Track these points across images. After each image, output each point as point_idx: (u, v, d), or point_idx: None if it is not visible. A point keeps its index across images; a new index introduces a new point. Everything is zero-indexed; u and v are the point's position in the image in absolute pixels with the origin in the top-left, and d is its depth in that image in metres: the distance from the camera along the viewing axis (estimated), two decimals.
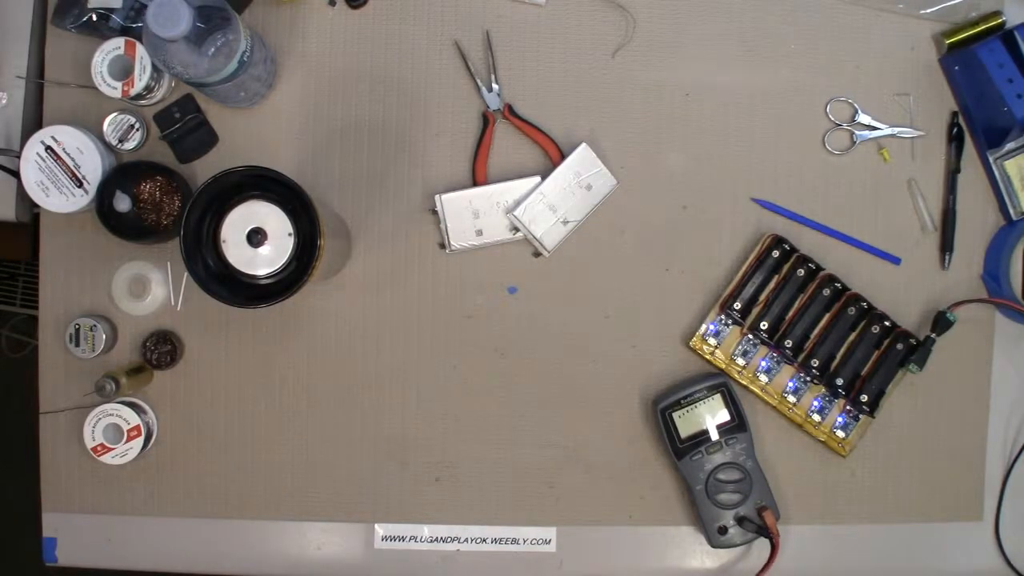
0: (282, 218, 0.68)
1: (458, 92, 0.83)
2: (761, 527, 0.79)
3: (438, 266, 0.83)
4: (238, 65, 0.71)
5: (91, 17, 0.80)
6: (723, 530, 0.80)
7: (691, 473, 0.80)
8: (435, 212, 0.81)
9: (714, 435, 0.79)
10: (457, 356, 0.83)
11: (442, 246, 0.82)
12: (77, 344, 0.80)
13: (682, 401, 0.79)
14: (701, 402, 0.79)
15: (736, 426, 0.79)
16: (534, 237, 0.81)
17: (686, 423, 0.79)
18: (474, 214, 0.81)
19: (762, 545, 0.80)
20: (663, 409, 0.80)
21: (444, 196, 0.81)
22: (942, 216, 0.84)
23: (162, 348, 0.81)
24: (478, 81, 0.82)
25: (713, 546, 0.80)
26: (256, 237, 0.68)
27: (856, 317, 0.81)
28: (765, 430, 0.83)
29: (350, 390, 0.82)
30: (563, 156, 0.82)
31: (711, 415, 0.79)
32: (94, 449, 0.79)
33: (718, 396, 0.80)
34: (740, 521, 0.79)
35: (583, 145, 0.81)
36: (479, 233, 0.81)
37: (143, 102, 0.80)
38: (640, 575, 0.84)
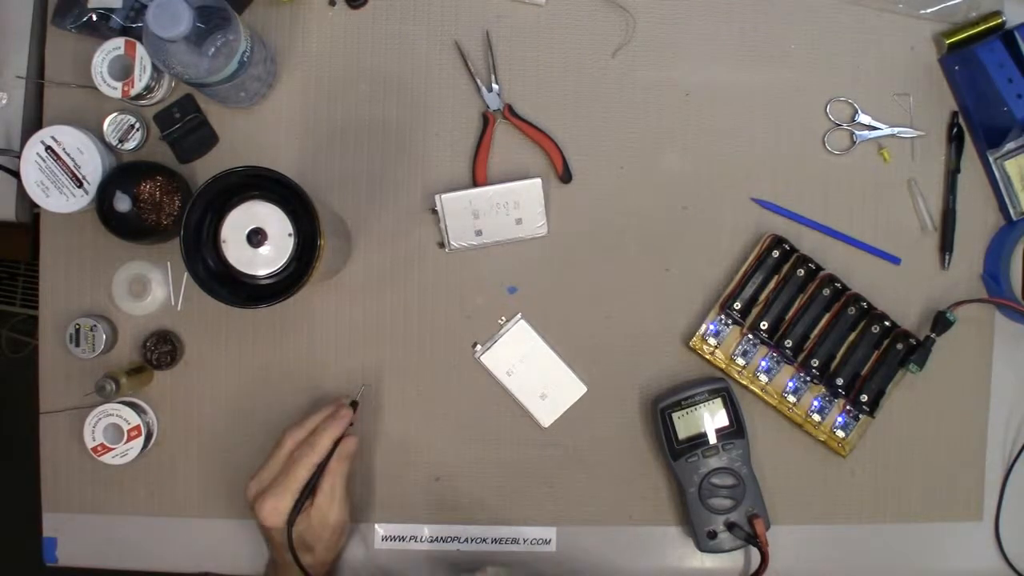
0: (282, 218, 0.68)
1: (458, 92, 0.83)
2: (750, 535, 0.78)
3: (438, 266, 0.83)
4: (238, 65, 0.71)
5: (91, 17, 0.80)
6: (712, 535, 0.79)
7: (685, 475, 0.79)
8: (435, 212, 0.81)
9: (712, 439, 0.79)
10: (457, 356, 0.83)
11: (442, 246, 0.82)
12: (77, 344, 0.80)
13: (683, 402, 0.79)
14: (701, 405, 0.79)
15: (734, 432, 0.79)
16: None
17: (685, 424, 0.79)
18: (474, 214, 0.81)
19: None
20: (663, 409, 0.79)
21: (444, 196, 0.81)
22: (942, 216, 0.84)
23: (162, 348, 0.81)
24: (478, 81, 0.82)
25: (701, 550, 0.80)
26: (256, 237, 0.68)
27: (856, 317, 0.81)
28: (765, 430, 0.83)
29: (349, 390, 0.82)
30: (563, 156, 0.82)
31: (710, 418, 0.79)
32: (94, 449, 0.79)
33: (719, 400, 0.79)
34: (730, 527, 0.79)
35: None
36: (479, 233, 0.81)
37: (143, 102, 0.80)
38: (640, 575, 0.84)
